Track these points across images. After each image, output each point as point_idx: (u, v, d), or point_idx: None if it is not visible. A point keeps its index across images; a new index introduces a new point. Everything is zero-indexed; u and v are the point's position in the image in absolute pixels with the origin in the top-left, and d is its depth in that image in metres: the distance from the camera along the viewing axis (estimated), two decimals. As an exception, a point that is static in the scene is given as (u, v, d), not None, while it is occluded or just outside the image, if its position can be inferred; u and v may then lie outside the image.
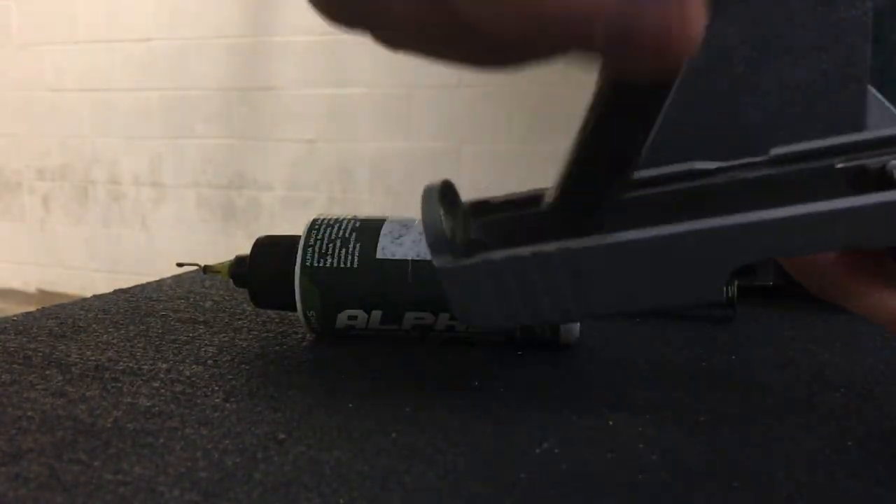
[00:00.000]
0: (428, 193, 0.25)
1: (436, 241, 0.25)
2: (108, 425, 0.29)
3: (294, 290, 0.36)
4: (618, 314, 0.26)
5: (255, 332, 0.40)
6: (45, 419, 0.29)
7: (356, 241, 0.36)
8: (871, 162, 0.25)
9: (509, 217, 0.26)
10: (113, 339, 0.39)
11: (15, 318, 0.42)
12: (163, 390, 0.32)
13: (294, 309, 0.37)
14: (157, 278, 0.51)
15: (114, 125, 2.67)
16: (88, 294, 0.48)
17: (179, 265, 0.42)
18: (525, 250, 0.24)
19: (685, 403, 0.31)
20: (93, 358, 0.36)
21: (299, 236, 0.37)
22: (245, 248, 0.39)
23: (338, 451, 0.26)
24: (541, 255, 0.24)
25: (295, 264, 0.36)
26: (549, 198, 0.24)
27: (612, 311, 0.25)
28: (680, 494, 0.24)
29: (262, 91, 2.47)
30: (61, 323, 0.41)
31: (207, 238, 2.62)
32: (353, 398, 0.31)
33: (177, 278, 0.51)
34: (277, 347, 0.38)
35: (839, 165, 0.26)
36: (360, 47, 2.33)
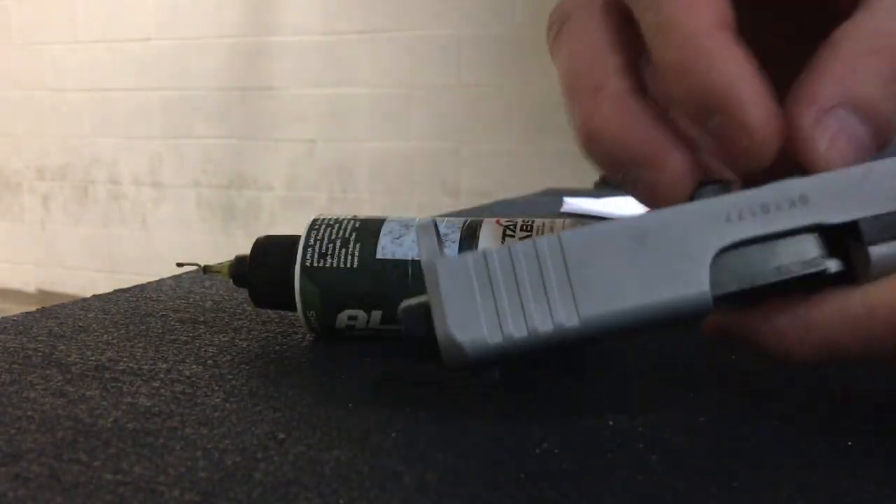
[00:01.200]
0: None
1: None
2: (108, 425, 0.29)
3: (294, 290, 0.36)
4: (614, 330, 0.25)
5: (255, 332, 0.40)
6: (44, 419, 0.29)
7: (356, 241, 0.36)
8: None
9: None
10: (113, 339, 0.39)
11: (15, 318, 0.42)
12: (163, 390, 0.32)
13: (294, 309, 0.37)
14: (157, 278, 0.51)
15: (114, 125, 2.67)
16: (88, 294, 0.48)
17: (179, 265, 0.42)
18: (516, 243, 0.25)
19: (685, 403, 0.31)
20: (93, 358, 0.36)
21: (299, 236, 0.37)
22: (245, 248, 0.39)
23: (338, 451, 0.26)
24: (532, 245, 0.24)
25: (295, 264, 0.37)
26: None
27: (605, 319, 0.24)
28: (680, 494, 0.24)
29: (262, 91, 2.47)
30: (61, 323, 0.41)
31: (207, 238, 2.62)
32: (353, 398, 0.31)
33: (177, 278, 0.51)
34: (277, 347, 0.38)
35: None
36: (360, 47, 2.33)
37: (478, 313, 0.24)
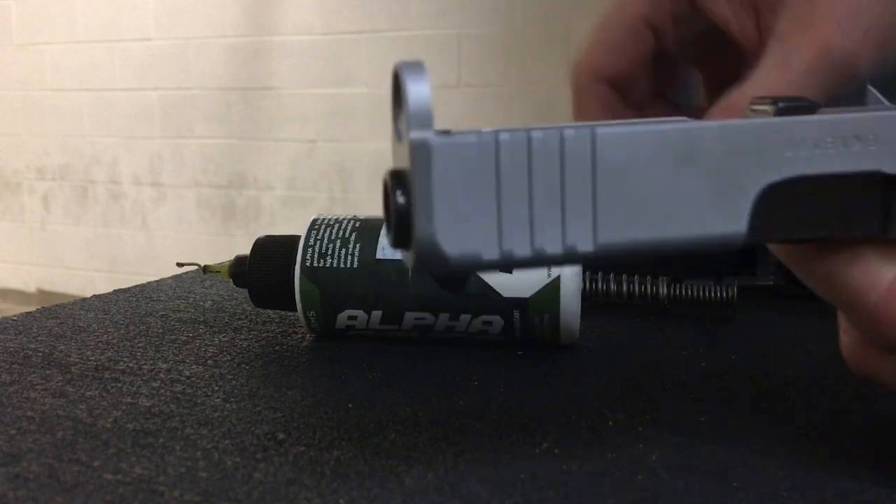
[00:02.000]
0: (415, 67, 0.20)
1: (420, 110, 0.19)
2: (108, 425, 0.29)
3: (294, 290, 0.36)
4: (632, 253, 0.21)
5: (255, 333, 0.40)
6: (44, 419, 0.29)
7: (356, 241, 0.36)
8: None
9: None
10: (113, 338, 0.39)
11: (15, 318, 0.42)
12: (163, 390, 0.32)
13: (294, 309, 0.37)
14: (157, 278, 0.51)
15: (114, 125, 2.67)
16: (88, 294, 0.48)
17: (179, 265, 0.42)
18: (537, 127, 0.20)
19: (685, 403, 0.31)
20: (93, 358, 0.36)
21: (299, 236, 0.37)
22: (245, 248, 0.39)
23: (338, 451, 0.26)
24: (558, 135, 0.20)
25: (295, 264, 0.37)
26: None
27: (624, 248, 0.21)
28: (680, 494, 0.24)
29: (262, 91, 2.47)
30: (61, 323, 0.41)
31: (207, 238, 2.62)
32: (353, 398, 0.31)
33: (177, 278, 0.51)
34: (277, 347, 0.38)
35: None
36: (359, 47, 2.33)
37: (475, 221, 0.20)
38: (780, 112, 0.21)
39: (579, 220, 0.20)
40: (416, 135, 0.19)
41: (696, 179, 0.21)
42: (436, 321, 0.36)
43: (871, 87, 0.27)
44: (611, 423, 0.29)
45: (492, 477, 0.25)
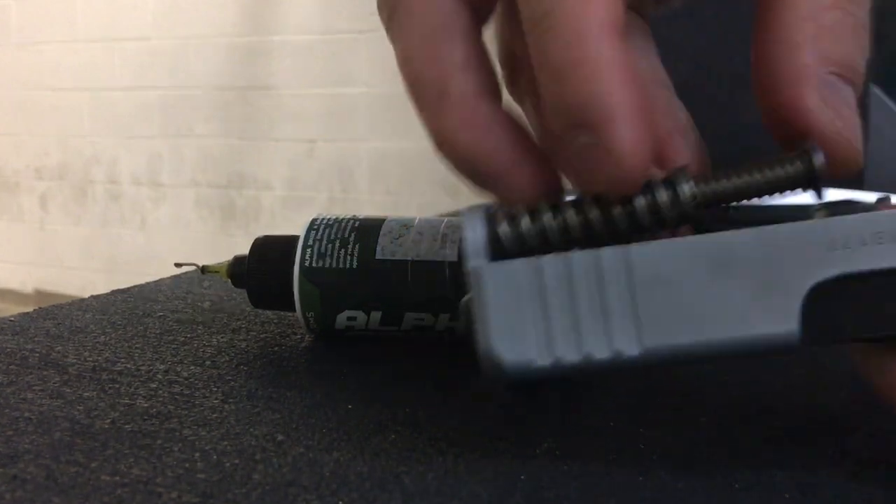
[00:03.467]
0: (472, 211, 0.23)
1: (476, 239, 0.23)
2: (106, 426, 0.28)
3: (293, 290, 0.36)
4: (678, 361, 0.22)
5: (254, 333, 0.40)
6: (42, 420, 0.29)
7: (356, 241, 0.36)
8: None
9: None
10: (110, 339, 0.39)
11: (12, 319, 0.42)
12: (161, 391, 0.32)
13: (293, 310, 0.37)
14: (155, 278, 0.51)
15: (113, 125, 2.67)
16: (86, 294, 0.48)
17: (177, 265, 0.42)
18: (576, 252, 0.22)
19: (685, 404, 0.31)
20: (90, 359, 0.36)
21: (298, 236, 0.37)
22: (244, 248, 0.39)
23: (337, 452, 0.26)
24: (594, 258, 0.22)
25: (294, 265, 0.36)
26: None
27: (671, 351, 0.22)
28: (680, 494, 0.24)
29: (262, 91, 2.47)
30: (58, 324, 0.41)
31: (206, 238, 2.62)
32: (352, 398, 0.31)
33: (175, 279, 0.51)
34: (276, 348, 0.37)
35: None
36: (360, 47, 2.33)
37: (527, 332, 0.22)
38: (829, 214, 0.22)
39: (623, 328, 0.22)
40: (472, 263, 0.23)
41: (733, 285, 0.21)
42: (436, 322, 0.36)
43: (873, 87, 0.27)
44: (611, 423, 0.29)
45: (492, 478, 0.25)
